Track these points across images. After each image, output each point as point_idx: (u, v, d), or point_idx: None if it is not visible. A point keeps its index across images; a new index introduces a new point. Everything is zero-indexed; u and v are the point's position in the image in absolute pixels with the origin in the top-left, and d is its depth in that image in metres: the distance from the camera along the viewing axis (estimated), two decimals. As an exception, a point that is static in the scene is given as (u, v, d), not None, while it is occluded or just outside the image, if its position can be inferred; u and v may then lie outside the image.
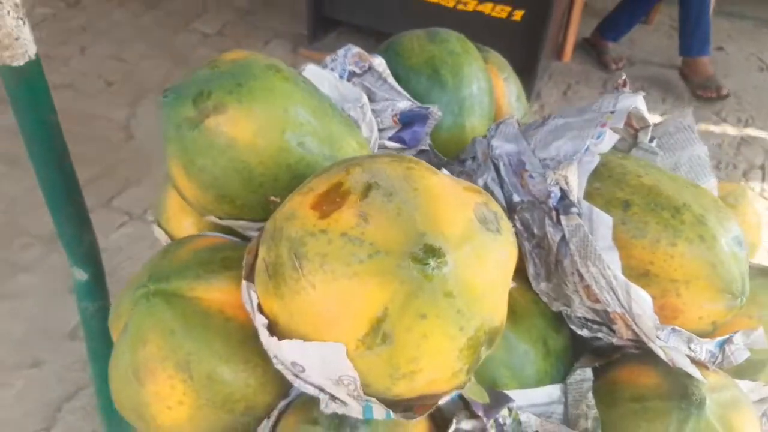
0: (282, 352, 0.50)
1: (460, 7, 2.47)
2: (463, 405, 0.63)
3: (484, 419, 0.60)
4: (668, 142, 0.82)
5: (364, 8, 2.64)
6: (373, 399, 0.49)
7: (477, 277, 0.46)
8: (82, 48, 2.74)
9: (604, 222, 0.62)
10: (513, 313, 0.68)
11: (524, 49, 2.40)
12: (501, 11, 2.42)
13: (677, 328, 0.62)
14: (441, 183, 0.49)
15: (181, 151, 0.62)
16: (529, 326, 0.68)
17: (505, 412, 0.64)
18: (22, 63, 0.83)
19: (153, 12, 3.01)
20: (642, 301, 0.59)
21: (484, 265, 0.47)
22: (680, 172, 0.80)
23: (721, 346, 0.64)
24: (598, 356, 0.72)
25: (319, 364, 0.48)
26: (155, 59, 2.67)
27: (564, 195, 0.63)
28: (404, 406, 0.51)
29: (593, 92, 2.56)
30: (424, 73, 0.84)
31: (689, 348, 0.63)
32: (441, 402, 0.52)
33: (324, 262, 0.45)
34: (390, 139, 0.79)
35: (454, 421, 0.60)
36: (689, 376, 0.62)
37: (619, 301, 0.61)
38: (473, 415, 0.61)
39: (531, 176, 0.67)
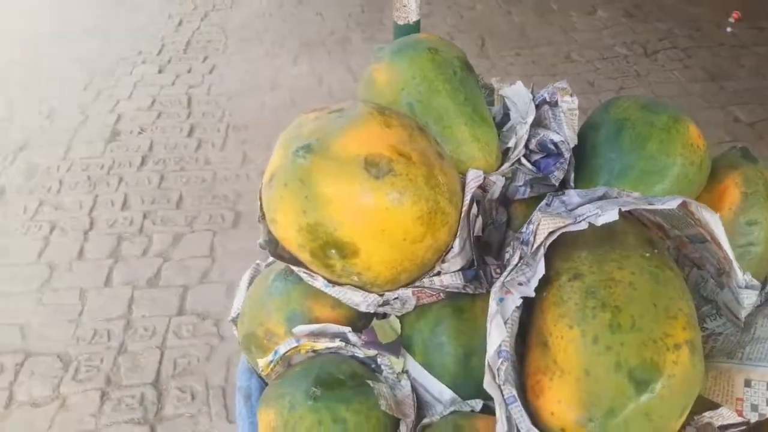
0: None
1: None
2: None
3: (362, 342, 0.74)
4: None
5: None
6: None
7: (329, 187, 0.64)
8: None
9: (539, 273, 0.64)
10: (461, 310, 0.75)
11: None
12: None
13: (515, 400, 0.60)
14: (383, 129, 0.67)
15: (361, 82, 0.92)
16: (468, 332, 0.73)
17: (398, 365, 0.75)
18: (402, 23, 1.25)
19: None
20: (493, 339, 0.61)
21: (337, 182, 0.63)
22: (758, 340, 0.63)
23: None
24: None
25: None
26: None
27: (527, 239, 0.67)
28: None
29: None
30: (607, 127, 0.87)
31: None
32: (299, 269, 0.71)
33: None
34: (533, 162, 0.88)
35: (349, 329, 0.76)
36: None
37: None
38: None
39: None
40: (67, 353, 1.83)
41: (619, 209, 0.63)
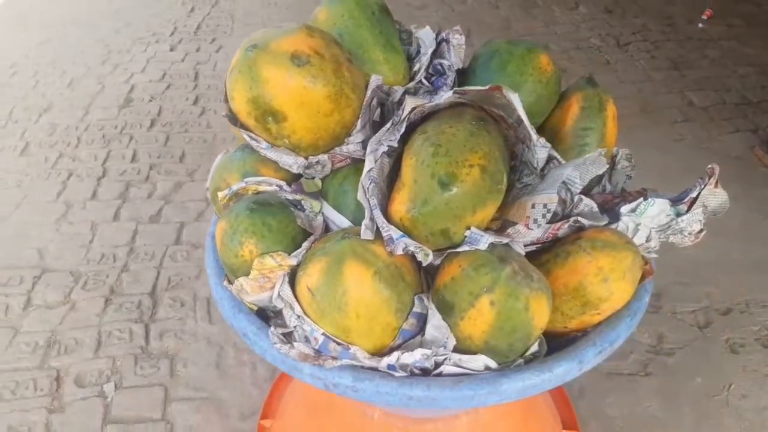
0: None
1: None
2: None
3: (292, 190, 1.11)
4: (576, 162, 1.02)
5: None
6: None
7: (264, 69, 1.01)
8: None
9: (401, 131, 1.00)
10: (360, 169, 1.11)
11: None
12: None
13: (376, 206, 0.96)
14: (306, 37, 1.04)
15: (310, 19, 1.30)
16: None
17: (316, 207, 1.12)
18: None
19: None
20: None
21: (271, 67, 1.00)
22: (545, 181, 1.00)
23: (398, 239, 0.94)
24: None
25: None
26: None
27: (399, 114, 1.04)
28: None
29: None
30: (483, 57, 1.24)
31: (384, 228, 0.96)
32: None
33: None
34: (431, 82, 1.25)
35: (285, 183, 1.13)
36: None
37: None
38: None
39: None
40: (78, 270, 2.22)
41: (454, 91, 1.00)
